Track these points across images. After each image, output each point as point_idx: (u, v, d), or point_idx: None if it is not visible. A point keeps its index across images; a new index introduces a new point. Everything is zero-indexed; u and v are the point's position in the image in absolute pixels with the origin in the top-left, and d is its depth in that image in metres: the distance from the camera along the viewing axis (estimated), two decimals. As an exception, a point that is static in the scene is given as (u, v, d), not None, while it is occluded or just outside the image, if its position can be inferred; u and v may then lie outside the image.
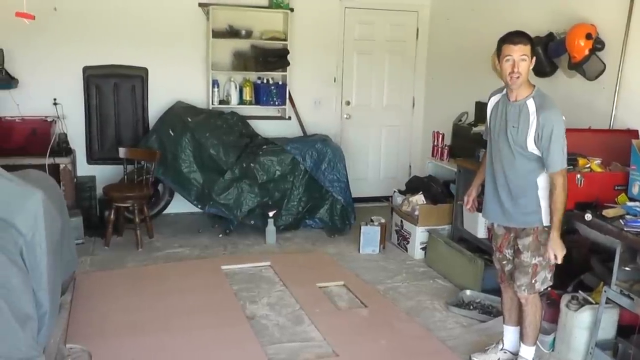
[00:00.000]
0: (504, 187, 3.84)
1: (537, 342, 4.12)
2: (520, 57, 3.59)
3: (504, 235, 4.00)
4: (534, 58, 3.67)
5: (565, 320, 4.16)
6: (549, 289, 4.48)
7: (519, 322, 4.07)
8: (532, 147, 3.62)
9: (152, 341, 4.30)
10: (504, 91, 3.83)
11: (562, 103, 5.34)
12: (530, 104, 3.63)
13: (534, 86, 3.72)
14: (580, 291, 4.26)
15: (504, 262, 4.05)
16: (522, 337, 4.03)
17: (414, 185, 6.63)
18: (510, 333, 4.20)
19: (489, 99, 4.04)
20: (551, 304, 4.46)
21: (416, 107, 8.27)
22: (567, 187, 3.62)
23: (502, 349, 4.21)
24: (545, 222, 3.73)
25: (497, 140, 3.84)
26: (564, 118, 3.62)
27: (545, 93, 3.72)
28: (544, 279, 3.86)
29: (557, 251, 3.65)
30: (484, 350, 4.26)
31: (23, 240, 3.73)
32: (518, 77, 3.60)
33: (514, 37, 3.63)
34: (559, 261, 3.69)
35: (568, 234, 4.99)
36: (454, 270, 5.54)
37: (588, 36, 4.92)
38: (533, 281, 3.84)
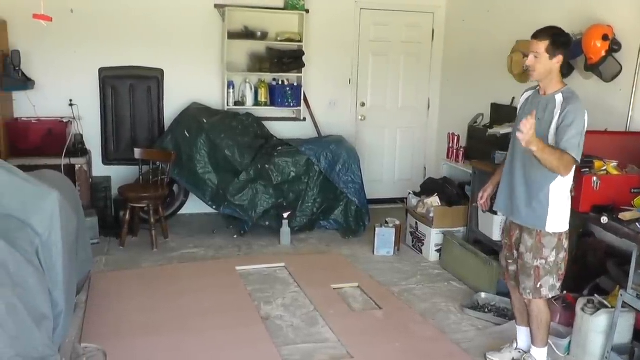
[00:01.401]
0: (521, 183, 3.83)
1: (552, 345, 4.12)
2: (532, 52, 3.68)
3: (511, 233, 4.01)
4: (559, 56, 3.66)
5: (581, 324, 4.13)
6: (565, 292, 4.49)
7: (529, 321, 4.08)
8: (552, 139, 3.61)
9: (167, 341, 4.31)
10: (537, 87, 3.88)
11: (578, 104, 5.34)
12: (558, 97, 3.66)
13: (566, 85, 3.76)
14: (596, 295, 4.23)
15: (509, 262, 4.08)
16: (531, 339, 4.05)
17: (429, 187, 6.61)
18: (522, 333, 4.23)
19: (522, 95, 4.10)
20: (567, 307, 4.43)
21: (431, 109, 8.24)
22: (565, 170, 3.55)
23: (516, 348, 4.25)
24: (549, 228, 3.73)
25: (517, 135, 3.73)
26: (586, 117, 3.63)
27: (575, 92, 3.72)
28: (551, 286, 3.83)
29: (524, 128, 3.28)
30: (499, 350, 4.29)
31: (39, 240, 3.75)
32: (532, 72, 3.72)
33: (535, 32, 3.71)
34: (519, 135, 3.32)
35: (584, 237, 4.98)
36: (469, 273, 5.52)
37: (605, 37, 4.88)
38: (538, 285, 3.83)
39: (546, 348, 4.02)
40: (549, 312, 3.95)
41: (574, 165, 3.59)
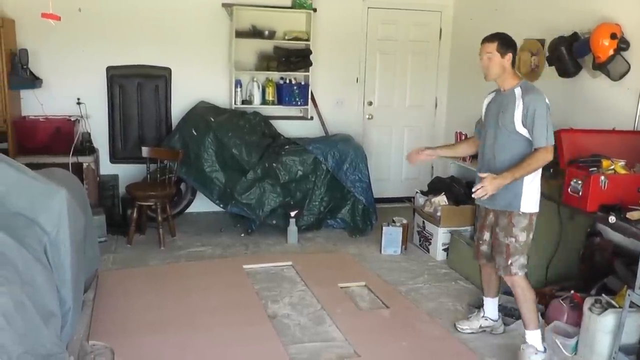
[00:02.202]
0: (488, 167, 4.15)
1: (559, 344, 4.11)
2: (485, 54, 4.12)
3: (484, 216, 4.35)
4: (509, 54, 4.07)
5: (588, 323, 4.09)
6: (572, 291, 4.48)
7: (497, 294, 4.58)
8: (519, 127, 3.98)
9: (175, 338, 4.32)
10: (497, 88, 4.28)
11: (586, 104, 5.35)
12: (517, 91, 4.04)
13: (521, 78, 4.17)
14: (603, 294, 4.19)
15: (480, 242, 4.43)
16: (523, 324, 4.26)
17: (436, 186, 6.60)
18: (489, 303, 4.63)
19: (485, 98, 4.45)
20: (574, 307, 4.41)
21: (439, 107, 8.23)
22: (545, 163, 3.96)
23: (483, 316, 4.62)
24: (523, 208, 4.06)
25: (489, 127, 4.23)
26: (547, 101, 3.96)
27: (532, 84, 4.15)
28: (521, 265, 4.15)
29: (489, 189, 3.88)
30: (467, 318, 4.70)
31: (47, 238, 3.77)
32: (487, 73, 4.15)
33: (485, 37, 4.18)
34: (475, 194, 3.94)
35: (591, 236, 4.97)
36: (476, 272, 5.48)
37: (613, 36, 4.86)
38: (509, 263, 4.14)
39: (539, 330, 4.20)
40: (532, 290, 4.21)
41: (552, 149, 3.94)
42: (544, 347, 4.20)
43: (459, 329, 4.63)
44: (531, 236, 4.15)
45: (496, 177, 3.89)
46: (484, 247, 4.40)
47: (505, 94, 4.13)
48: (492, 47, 4.08)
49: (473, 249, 4.66)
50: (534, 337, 4.19)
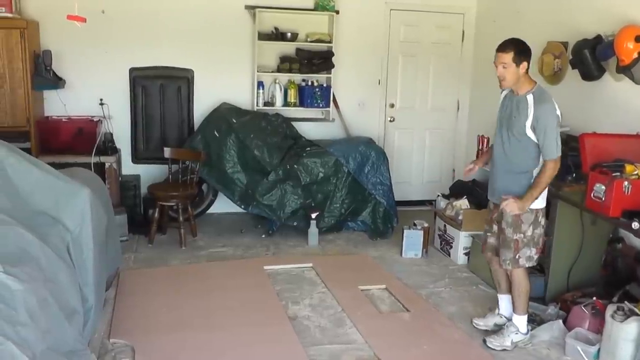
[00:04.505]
0: (502, 169, 4.38)
1: (581, 352, 4.12)
2: (500, 64, 4.21)
3: (492, 210, 4.56)
4: (524, 63, 4.16)
5: (611, 331, 4.05)
6: (594, 298, 4.44)
7: (508, 290, 4.61)
8: (529, 133, 4.13)
9: (195, 338, 4.33)
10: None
11: (609, 107, 5.30)
12: (530, 98, 4.15)
13: (536, 83, 4.25)
14: (626, 302, 4.15)
15: (488, 234, 4.63)
16: (513, 307, 4.51)
17: (457, 190, 6.58)
18: (503, 301, 4.72)
19: (501, 94, 4.52)
20: (596, 314, 4.37)
21: (461, 110, 8.19)
22: (554, 175, 4.14)
23: (498, 314, 4.74)
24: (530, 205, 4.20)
25: (501, 127, 4.37)
26: (558, 112, 4.09)
27: (545, 90, 4.24)
28: (528, 257, 4.34)
29: (512, 207, 4.16)
30: (484, 316, 4.82)
31: (70, 237, 3.81)
32: (503, 81, 4.26)
33: (500, 45, 4.25)
34: (507, 210, 4.20)
35: (613, 242, 4.91)
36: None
37: (637, 39, 4.79)
38: (517, 257, 4.33)
39: (526, 316, 4.45)
40: (528, 282, 4.42)
41: (559, 159, 4.09)
42: (527, 330, 4.46)
43: (474, 324, 4.77)
44: (538, 231, 4.32)
45: (517, 200, 4.14)
46: (492, 240, 4.59)
47: (518, 97, 4.24)
48: (508, 57, 4.16)
49: (481, 242, 4.90)
50: (520, 320, 4.44)
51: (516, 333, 4.41)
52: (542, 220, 4.35)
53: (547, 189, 4.25)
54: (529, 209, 4.20)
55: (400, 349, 4.33)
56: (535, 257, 4.37)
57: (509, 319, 4.60)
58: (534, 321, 4.75)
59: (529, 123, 4.11)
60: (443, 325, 4.75)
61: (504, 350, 4.38)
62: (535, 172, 4.20)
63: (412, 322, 4.80)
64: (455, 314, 4.98)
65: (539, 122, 4.07)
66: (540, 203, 4.26)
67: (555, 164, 4.09)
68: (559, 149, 4.06)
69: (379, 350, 4.28)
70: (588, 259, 4.99)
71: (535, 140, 4.12)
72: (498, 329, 4.59)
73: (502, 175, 4.39)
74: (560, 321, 4.54)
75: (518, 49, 4.17)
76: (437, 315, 4.93)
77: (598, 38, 5.32)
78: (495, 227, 4.52)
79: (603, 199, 4.28)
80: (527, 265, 4.37)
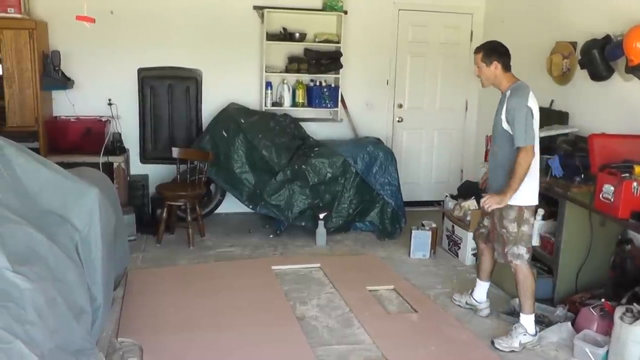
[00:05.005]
0: (493, 164, 4.58)
1: (589, 353, 4.11)
2: (475, 65, 4.51)
3: None
4: (494, 62, 4.37)
5: (620, 333, 4.03)
6: (603, 300, 4.42)
7: (488, 278, 4.97)
8: (505, 126, 4.30)
9: (202, 337, 4.34)
10: None
11: (618, 108, 5.28)
12: (507, 93, 4.35)
13: (517, 80, 4.41)
14: (635, 303, 4.13)
15: (481, 225, 4.91)
16: (520, 307, 4.53)
17: (466, 190, 6.57)
18: (479, 286, 5.02)
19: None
20: (604, 315, 4.34)
21: (469, 111, 8.17)
22: (528, 164, 4.20)
23: (470, 293, 5.04)
24: (511, 201, 4.30)
25: (493, 126, 4.54)
26: (531, 104, 4.22)
27: (524, 85, 4.36)
28: (516, 255, 4.43)
29: (490, 201, 4.31)
30: (460, 293, 5.16)
31: (79, 236, 3.82)
32: (481, 82, 4.56)
33: (474, 49, 4.56)
34: (485, 208, 4.36)
35: (622, 243, 4.89)
36: (506, 278, 5.43)
37: (647, 38, 4.79)
38: (505, 251, 4.47)
39: (533, 315, 4.45)
40: (532, 279, 4.47)
41: (531, 148, 4.19)
42: (535, 332, 4.45)
43: (452, 299, 5.18)
44: (524, 228, 4.39)
45: (494, 196, 4.32)
46: (483, 230, 4.85)
47: (502, 95, 4.44)
48: (478, 58, 4.45)
49: (475, 230, 5.17)
50: (527, 320, 4.44)
51: (524, 334, 4.40)
52: (531, 219, 4.43)
53: (537, 190, 4.39)
54: (511, 205, 4.32)
55: (408, 350, 4.33)
56: (526, 255, 4.43)
57: (479, 303, 4.94)
58: (542, 322, 4.74)
59: (503, 116, 4.30)
60: (451, 326, 4.74)
61: (512, 351, 4.37)
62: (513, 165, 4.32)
63: (420, 323, 4.79)
64: (463, 315, 4.97)
65: (509, 113, 4.24)
66: (525, 200, 4.34)
67: (526, 153, 4.17)
68: (528, 138, 4.17)
69: (386, 350, 4.28)
70: (597, 261, 4.97)
71: (511, 133, 4.27)
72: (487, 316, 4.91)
73: (493, 170, 4.58)
74: (569, 323, 4.52)
75: (486, 49, 4.44)
76: (445, 316, 4.92)
77: (607, 38, 5.30)
78: (487, 221, 4.75)
79: (612, 200, 4.26)
80: (516, 262, 4.45)
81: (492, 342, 4.45)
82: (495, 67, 4.38)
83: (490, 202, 4.30)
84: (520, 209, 4.35)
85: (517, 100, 4.23)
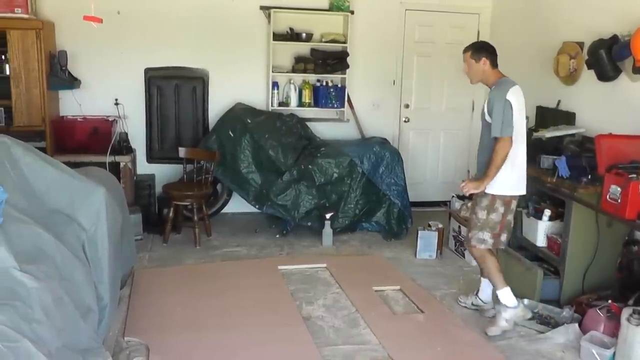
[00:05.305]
0: (481, 154, 4.75)
1: (596, 355, 4.10)
2: (464, 62, 4.73)
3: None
4: (483, 58, 4.60)
5: (626, 334, 4.02)
6: (609, 301, 4.40)
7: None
8: (487, 117, 4.54)
9: (209, 337, 4.35)
10: None
11: (626, 108, 5.26)
12: (492, 87, 4.59)
13: (502, 76, 4.63)
14: (642, 305, 4.13)
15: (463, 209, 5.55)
16: (493, 287, 4.81)
17: (472, 191, 6.55)
18: (484, 285, 5.05)
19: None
20: (611, 317, 4.32)
21: (476, 111, 8.15)
22: (505, 154, 4.40)
23: (475, 294, 5.12)
24: (486, 189, 4.53)
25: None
26: (510, 97, 4.41)
27: (508, 80, 4.58)
28: (479, 239, 4.68)
29: (468, 186, 4.54)
30: (466, 295, 5.23)
31: (85, 235, 3.83)
32: (470, 79, 4.76)
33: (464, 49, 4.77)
34: (464, 191, 4.62)
35: (629, 245, 4.88)
36: (512, 279, 5.39)
37: (655, 39, 4.77)
38: (470, 235, 4.74)
39: (507, 288, 4.66)
40: (492, 258, 4.73)
41: (508, 139, 4.39)
42: (516, 302, 4.65)
43: (458, 301, 5.21)
44: (493, 216, 4.59)
45: (473, 181, 4.59)
46: (465, 214, 5.37)
47: (489, 90, 4.68)
48: (467, 56, 4.68)
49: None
50: (503, 295, 4.65)
51: (505, 310, 4.60)
52: (501, 209, 4.58)
53: (515, 183, 4.57)
54: (485, 192, 4.55)
55: (414, 350, 4.32)
56: (490, 241, 4.66)
57: (485, 303, 5.02)
58: (549, 323, 4.73)
59: (485, 109, 4.57)
60: (457, 327, 4.73)
61: (505, 331, 4.60)
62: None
63: (426, 324, 4.79)
64: (469, 316, 4.97)
65: (488, 105, 4.52)
66: (498, 190, 4.54)
67: (503, 144, 4.38)
68: (505, 130, 4.38)
69: (392, 351, 4.28)
70: (603, 262, 4.95)
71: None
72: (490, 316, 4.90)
73: (480, 160, 4.75)
74: (576, 324, 4.50)
75: (475, 47, 4.69)
76: (451, 317, 4.91)
77: (614, 38, 5.28)
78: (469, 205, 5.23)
79: (619, 200, 4.26)
80: (477, 246, 4.71)
81: (486, 333, 4.62)
82: (484, 64, 4.60)
83: (468, 187, 4.53)
84: (493, 197, 4.56)
85: (497, 94, 4.46)
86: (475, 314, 5.01)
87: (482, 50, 4.64)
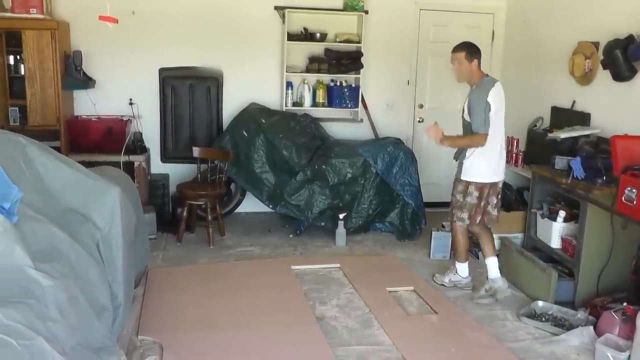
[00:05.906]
0: (458, 151, 5.26)
1: (611, 358, 4.05)
2: (455, 61, 5.08)
3: None
4: (475, 60, 5.03)
5: (642, 337, 4.00)
6: (625, 304, 4.37)
7: (488, 254, 5.34)
8: (466, 116, 5.07)
9: (222, 336, 4.36)
10: None
11: (640, 109, 5.21)
12: (474, 87, 5.05)
13: (484, 76, 5.10)
14: (657, 308, 4.09)
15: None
16: (455, 257, 5.58)
17: (486, 191, 6.53)
18: (487, 264, 5.38)
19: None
20: (626, 319, 4.29)
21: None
22: (476, 143, 4.98)
23: (455, 273, 5.55)
24: (462, 177, 5.14)
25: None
26: (489, 98, 4.88)
27: (489, 80, 5.05)
28: (460, 218, 5.24)
29: (431, 130, 5.19)
30: (442, 273, 5.65)
31: (100, 234, 3.84)
32: (458, 76, 5.17)
33: (454, 47, 5.14)
34: (427, 133, 5.34)
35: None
36: (526, 280, 5.42)
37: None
38: (452, 212, 5.30)
39: (465, 263, 5.46)
40: (464, 240, 5.40)
41: (484, 136, 4.92)
42: (468, 276, 5.47)
43: (434, 279, 5.67)
44: (468, 199, 5.13)
45: (438, 130, 5.11)
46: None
47: (470, 89, 5.11)
48: (461, 55, 5.03)
49: None
50: (460, 267, 5.47)
51: (455, 274, 5.49)
52: (476, 194, 5.10)
53: (488, 172, 5.07)
54: (461, 179, 5.14)
55: (427, 352, 4.31)
56: (467, 221, 5.21)
57: (463, 278, 5.49)
58: (563, 325, 4.70)
59: (466, 108, 5.07)
60: (471, 328, 4.72)
61: (443, 285, 5.50)
62: (469, 151, 5.07)
63: (440, 325, 4.78)
64: (483, 318, 4.95)
65: (468, 104, 5.03)
66: (471, 177, 5.09)
67: (479, 138, 4.93)
68: (484, 127, 4.89)
69: (406, 352, 4.27)
70: (618, 264, 4.92)
71: (471, 122, 5.01)
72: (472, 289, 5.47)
73: (459, 160, 5.21)
74: (591, 327, 4.46)
75: (469, 49, 5.04)
76: (464, 318, 4.90)
77: (630, 38, 5.25)
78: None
79: (634, 202, 4.23)
80: (458, 224, 5.28)
81: (433, 276, 5.62)
82: (474, 64, 5.03)
83: (431, 132, 5.17)
84: (467, 183, 5.12)
85: (477, 96, 4.96)
86: (489, 315, 4.98)
87: (475, 52, 5.04)
